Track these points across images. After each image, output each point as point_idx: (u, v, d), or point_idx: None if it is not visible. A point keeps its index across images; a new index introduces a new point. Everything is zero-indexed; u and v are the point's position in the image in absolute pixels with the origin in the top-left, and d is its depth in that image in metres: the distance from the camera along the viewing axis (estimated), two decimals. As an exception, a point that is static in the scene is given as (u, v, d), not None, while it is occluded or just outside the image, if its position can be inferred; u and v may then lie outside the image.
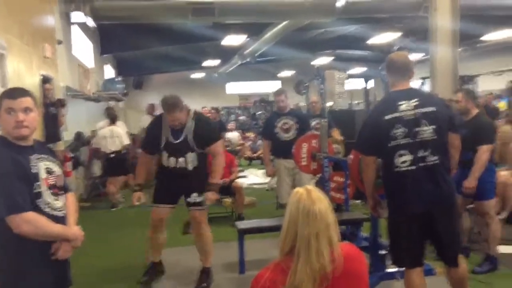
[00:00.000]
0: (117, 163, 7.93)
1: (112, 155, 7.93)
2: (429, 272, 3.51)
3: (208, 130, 4.02)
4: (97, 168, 9.61)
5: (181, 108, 3.87)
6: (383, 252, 4.00)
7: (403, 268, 3.88)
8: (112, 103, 13.40)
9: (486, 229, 4.35)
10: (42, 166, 2.17)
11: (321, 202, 1.86)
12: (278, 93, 5.96)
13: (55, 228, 2.15)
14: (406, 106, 2.89)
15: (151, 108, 10.99)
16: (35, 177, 2.11)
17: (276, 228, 4.46)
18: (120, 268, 4.76)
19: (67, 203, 2.31)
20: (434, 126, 2.89)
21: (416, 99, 2.91)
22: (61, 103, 6.61)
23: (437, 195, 2.89)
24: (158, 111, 9.24)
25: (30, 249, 2.11)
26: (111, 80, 12.65)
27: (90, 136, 10.26)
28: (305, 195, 1.87)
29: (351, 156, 4.28)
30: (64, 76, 7.81)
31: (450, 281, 3.07)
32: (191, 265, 4.42)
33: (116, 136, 7.99)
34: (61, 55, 7.70)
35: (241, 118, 19.61)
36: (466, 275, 3.06)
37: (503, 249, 4.74)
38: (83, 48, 10.28)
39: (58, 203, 2.21)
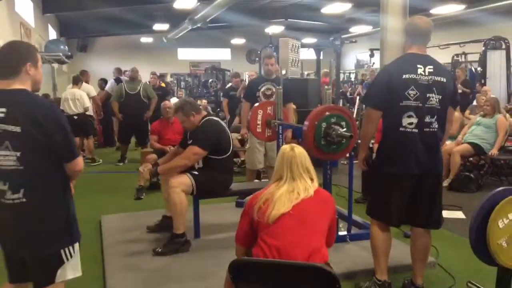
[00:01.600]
0: (78, 125, 7.98)
1: (75, 117, 7.99)
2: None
3: (196, 133, 4.07)
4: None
5: (187, 113, 4.04)
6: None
7: (353, 232, 4.05)
8: (55, 66, 12.85)
9: None
10: None
11: (302, 155, 2.43)
12: (268, 56, 5.80)
13: None
14: (422, 71, 2.94)
15: (118, 72, 10.52)
16: None
17: (231, 194, 4.53)
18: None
19: None
20: (440, 97, 2.96)
21: (431, 66, 2.97)
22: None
23: (432, 160, 3.01)
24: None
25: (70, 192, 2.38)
26: (54, 41, 12.04)
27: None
28: (288, 149, 2.45)
29: (306, 123, 4.32)
30: (4, 34, 7.35)
31: (415, 244, 3.15)
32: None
33: (77, 99, 8.09)
34: (1, 12, 7.22)
35: (191, 84, 19.19)
36: (430, 242, 3.18)
37: (446, 214, 4.98)
38: (24, 6, 9.69)
39: None
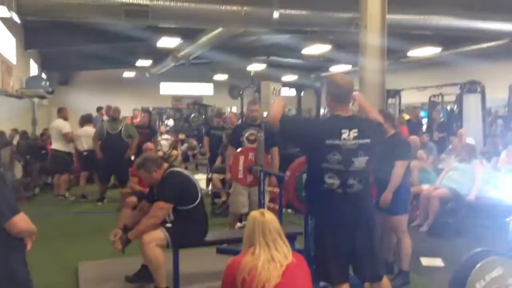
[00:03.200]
0: (89, 160, 8.58)
1: (85, 153, 8.66)
2: (358, 287, 3.63)
3: (160, 187, 4.07)
4: (18, 171, 9.08)
5: (148, 170, 4.08)
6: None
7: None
8: (36, 100, 12.79)
9: (399, 244, 4.43)
10: None
11: (273, 221, 2.48)
12: (252, 102, 5.88)
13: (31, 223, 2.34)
14: (347, 136, 2.93)
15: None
16: None
17: (211, 243, 4.48)
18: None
19: None
20: (367, 158, 2.98)
21: (356, 129, 2.96)
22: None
23: (357, 218, 3.01)
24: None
25: (20, 248, 2.32)
26: (35, 78, 12.02)
27: (11, 135, 9.68)
28: (258, 215, 2.50)
29: (288, 173, 4.34)
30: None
31: None
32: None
33: (88, 136, 8.62)
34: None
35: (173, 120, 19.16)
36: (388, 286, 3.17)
37: (425, 261, 5.02)
38: (5, 43, 9.68)
39: None
